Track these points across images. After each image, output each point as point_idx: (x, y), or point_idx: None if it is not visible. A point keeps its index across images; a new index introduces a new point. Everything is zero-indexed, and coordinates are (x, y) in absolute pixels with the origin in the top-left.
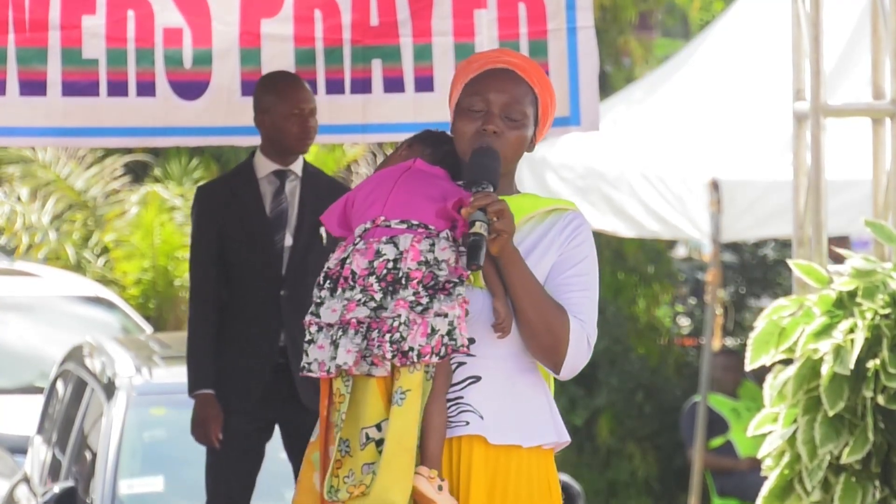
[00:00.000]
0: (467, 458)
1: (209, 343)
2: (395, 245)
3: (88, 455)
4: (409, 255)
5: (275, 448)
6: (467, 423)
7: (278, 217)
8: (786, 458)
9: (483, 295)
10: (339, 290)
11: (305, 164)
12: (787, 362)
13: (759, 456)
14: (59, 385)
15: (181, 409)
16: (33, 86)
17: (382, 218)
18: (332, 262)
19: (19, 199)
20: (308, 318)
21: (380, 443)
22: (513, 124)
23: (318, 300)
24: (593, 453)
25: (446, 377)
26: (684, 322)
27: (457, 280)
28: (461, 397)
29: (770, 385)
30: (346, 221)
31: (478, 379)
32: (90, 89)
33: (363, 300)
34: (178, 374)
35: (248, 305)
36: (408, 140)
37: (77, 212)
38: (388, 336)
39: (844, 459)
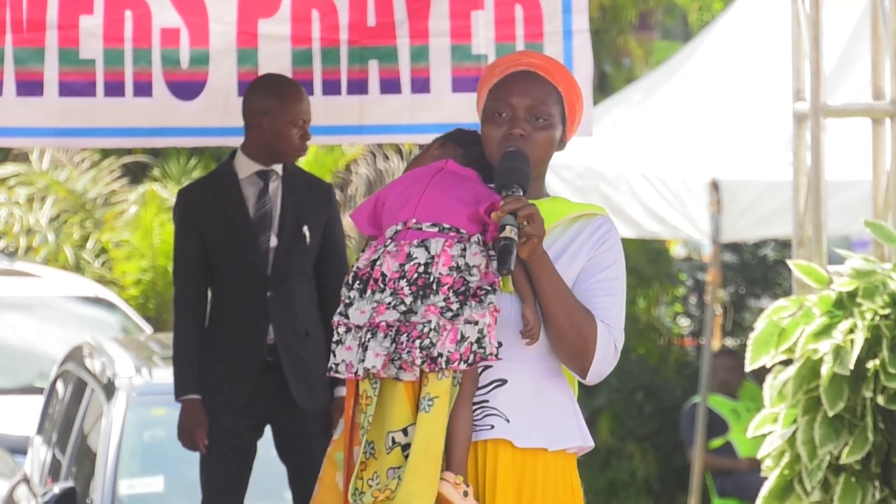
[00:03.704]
0: (493, 461)
1: (194, 347)
2: (427, 249)
3: (88, 455)
4: (440, 260)
5: (272, 448)
6: (492, 426)
7: (262, 218)
8: (786, 459)
9: (512, 300)
10: (369, 291)
11: (285, 163)
12: (787, 363)
13: (759, 456)
14: (59, 385)
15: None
16: (30, 86)
17: (414, 220)
18: (361, 262)
19: (18, 203)
20: (336, 318)
21: (406, 447)
22: (539, 125)
23: (348, 300)
24: (593, 453)
25: (473, 382)
26: (684, 322)
27: (489, 287)
28: (487, 401)
29: (770, 385)
30: (377, 220)
31: (504, 382)
32: (87, 89)
33: (393, 303)
34: None
35: (234, 307)
36: (440, 139)
37: (75, 214)
38: (417, 342)
39: (844, 460)
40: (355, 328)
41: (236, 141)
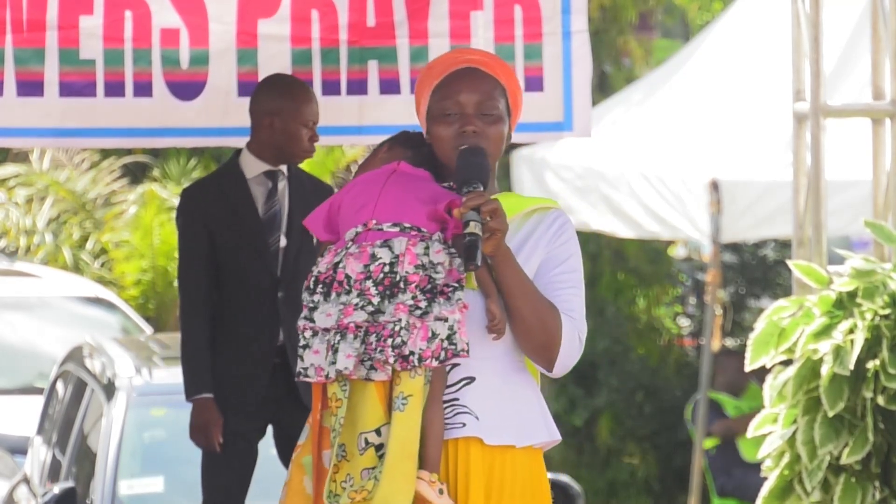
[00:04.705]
0: (464, 459)
1: (205, 347)
2: (390, 248)
3: (88, 456)
4: (405, 259)
5: (272, 448)
6: (464, 424)
7: (271, 219)
8: (786, 459)
9: (475, 296)
10: (334, 294)
11: (289, 164)
12: (786, 363)
13: (759, 456)
14: (59, 385)
15: (181, 409)
16: (31, 86)
17: (374, 221)
18: (322, 266)
19: (17, 203)
20: (301, 322)
21: (379, 447)
22: (490, 120)
23: (312, 304)
24: (593, 453)
25: (442, 380)
26: (684, 322)
27: (455, 284)
28: (457, 399)
29: (770, 385)
30: (332, 225)
31: (472, 380)
32: (87, 90)
33: (360, 304)
34: (177, 375)
35: (244, 307)
36: (386, 142)
37: (75, 214)
38: (389, 340)
39: (844, 460)
40: (322, 331)
41: (236, 141)
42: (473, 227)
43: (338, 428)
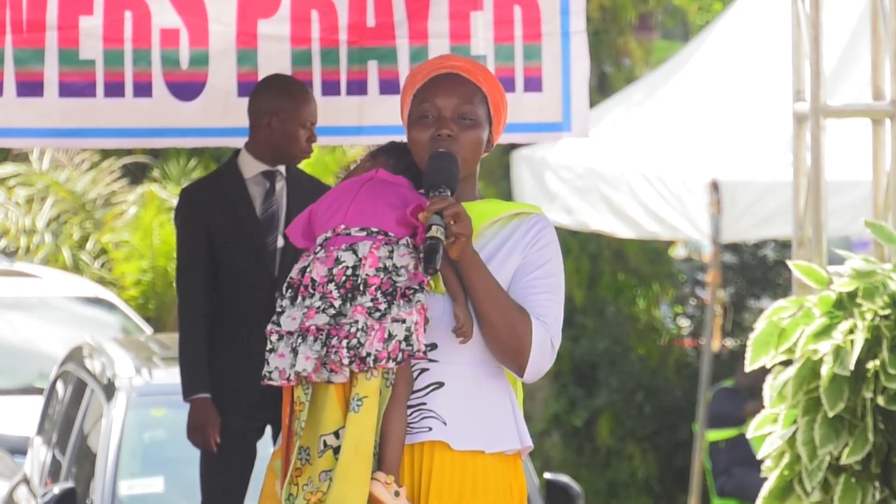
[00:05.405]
0: (429, 463)
1: (202, 347)
2: (355, 252)
3: (88, 456)
4: (367, 262)
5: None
6: (430, 428)
7: (269, 219)
8: (786, 459)
9: (444, 300)
10: (300, 298)
11: (287, 164)
12: (786, 363)
13: (760, 457)
14: (59, 386)
15: (181, 409)
16: (30, 87)
17: (343, 226)
18: (294, 271)
19: (18, 203)
20: (269, 327)
21: (337, 450)
22: (466, 125)
23: (280, 309)
24: (593, 454)
25: (407, 384)
26: (684, 323)
27: (416, 286)
28: (424, 403)
29: (770, 386)
30: (310, 233)
31: (441, 385)
32: (87, 90)
33: (322, 307)
34: (177, 375)
35: (242, 307)
36: (372, 152)
37: (75, 214)
38: (345, 342)
39: (844, 460)
40: (287, 335)
41: (236, 141)
42: (435, 231)
43: (300, 431)
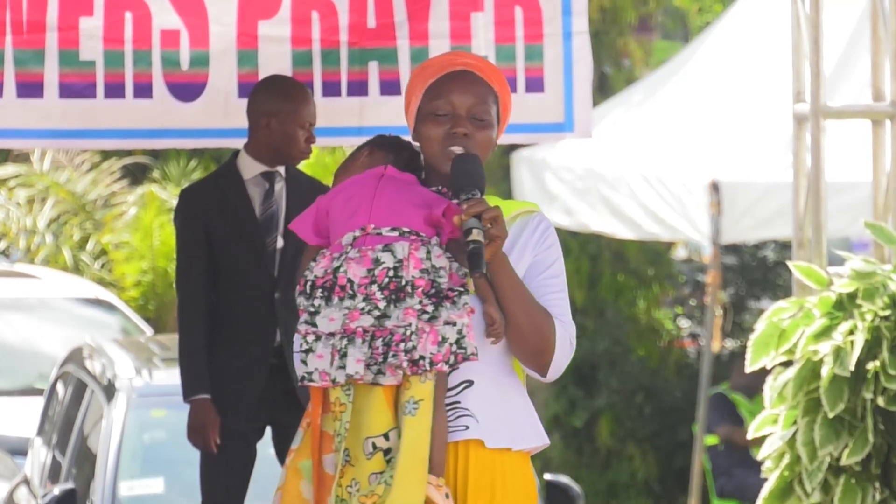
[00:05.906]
0: (464, 462)
1: (202, 347)
2: (393, 253)
3: (88, 457)
4: (410, 264)
5: (271, 448)
6: (467, 427)
7: (269, 219)
8: (786, 460)
9: (472, 301)
10: (336, 298)
11: (286, 165)
12: (787, 364)
13: (760, 458)
14: (60, 387)
15: (181, 410)
16: (30, 87)
17: (372, 226)
18: (318, 270)
19: (18, 204)
20: (303, 327)
21: (387, 452)
22: (480, 125)
23: (312, 309)
24: (593, 454)
25: (444, 385)
26: (684, 324)
27: (461, 289)
28: (458, 402)
29: (770, 387)
30: (321, 230)
31: (471, 383)
32: (87, 91)
33: (367, 309)
34: (177, 376)
35: (241, 308)
36: (365, 146)
37: (75, 215)
38: (402, 345)
39: (844, 461)
40: (326, 336)
41: (236, 142)
42: (476, 235)
43: (343, 433)
